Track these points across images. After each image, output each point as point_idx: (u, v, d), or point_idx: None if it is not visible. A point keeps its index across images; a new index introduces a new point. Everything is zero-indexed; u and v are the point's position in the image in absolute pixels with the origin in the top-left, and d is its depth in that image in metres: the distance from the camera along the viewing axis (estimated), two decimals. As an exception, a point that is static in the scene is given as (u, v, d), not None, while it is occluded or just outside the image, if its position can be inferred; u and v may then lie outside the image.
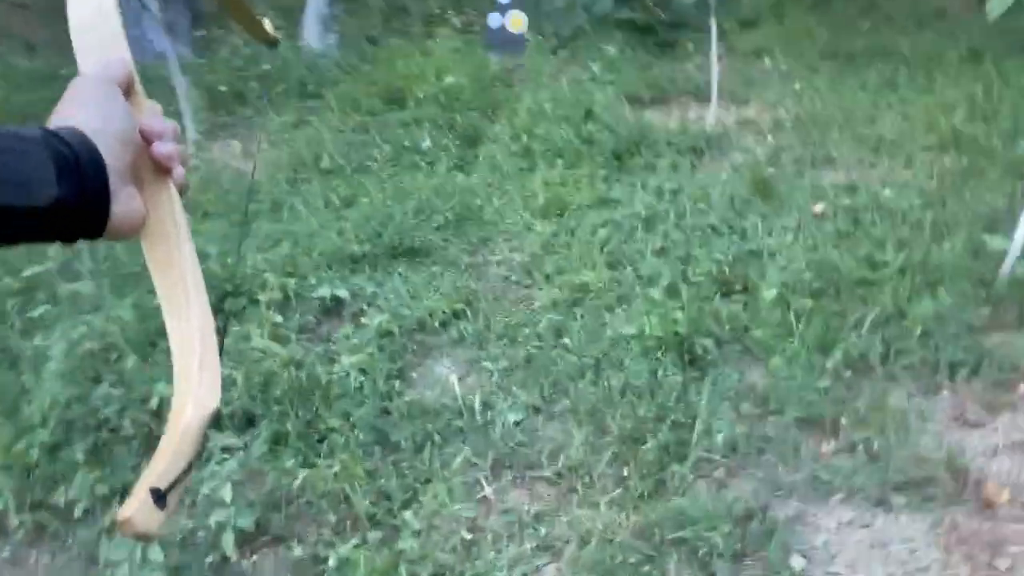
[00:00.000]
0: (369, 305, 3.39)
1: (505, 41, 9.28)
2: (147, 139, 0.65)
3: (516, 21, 9.44)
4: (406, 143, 5.43)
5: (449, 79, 6.41)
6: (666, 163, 4.93)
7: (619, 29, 7.68)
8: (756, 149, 5.13)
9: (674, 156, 5.03)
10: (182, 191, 0.68)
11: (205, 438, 0.63)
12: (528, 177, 4.93)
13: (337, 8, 9.22)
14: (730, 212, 4.08)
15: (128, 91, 0.67)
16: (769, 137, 5.37)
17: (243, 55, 8.15)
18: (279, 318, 3.11)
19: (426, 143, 5.32)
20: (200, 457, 0.63)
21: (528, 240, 4.08)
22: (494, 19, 9.29)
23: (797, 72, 7.00)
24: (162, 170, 0.66)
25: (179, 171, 0.67)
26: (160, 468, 0.60)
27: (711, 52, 5.63)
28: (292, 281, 3.34)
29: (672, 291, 3.33)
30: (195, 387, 0.62)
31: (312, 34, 7.95)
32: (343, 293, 3.39)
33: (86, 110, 0.61)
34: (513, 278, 3.74)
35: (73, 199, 0.56)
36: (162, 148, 0.65)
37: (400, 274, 3.65)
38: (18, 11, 10.28)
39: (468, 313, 3.33)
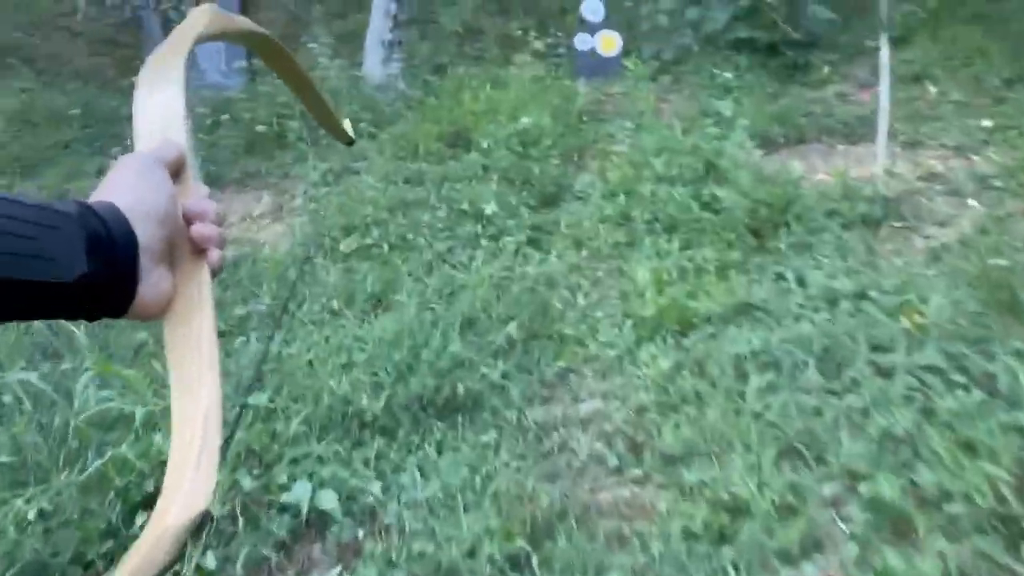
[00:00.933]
0: (368, 526, 2.02)
1: (596, 66, 7.89)
2: (188, 220, 0.64)
3: (608, 42, 8.04)
4: (465, 205, 4.09)
5: (525, 118, 5.06)
6: (828, 242, 3.40)
7: (735, 50, 6.18)
8: (960, 220, 3.53)
9: (838, 231, 3.49)
10: (216, 273, 0.66)
11: (184, 545, 0.57)
12: (628, 259, 3.49)
13: (404, 32, 8.07)
14: (957, 342, 2.52)
15: (177, 172, 0.66)
16: (972, 200, 3.76)
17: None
18: (211, 562, 1.79)
19: (491, 207, 3.96)
20: (174, 564, 0.56)
21: (631, 380, 2.64)
22: (582, 41, 7.90)
23: (976, 103, 5.32)
24: (198, 251, 0.64)
25: (215, 254, 0.65)
26: (135, 565, 0.55)
27: (881, 82, 4.06)
28: (248, 479, 2.04)
29: (901, 526, 1.83)
30: (187, 483, 0.57)
31: (373, 62, 6.77)
32: (330, 502, 1.98)
33: (128, 188, 0.60)
34: (610, 462, 2.28)
35: (100, 277, 0.55)
36: (201, 230, 0.64)
37: (427, 453, 2.26)
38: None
39: (533, 561, 1.90)
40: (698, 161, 4.01)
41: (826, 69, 6.01)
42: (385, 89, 6.59)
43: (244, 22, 0.88)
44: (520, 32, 8.70)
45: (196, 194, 0.67)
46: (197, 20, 0.79)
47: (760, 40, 5.95)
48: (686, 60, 6.56)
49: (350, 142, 1.24)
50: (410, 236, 3.82)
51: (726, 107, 5.35)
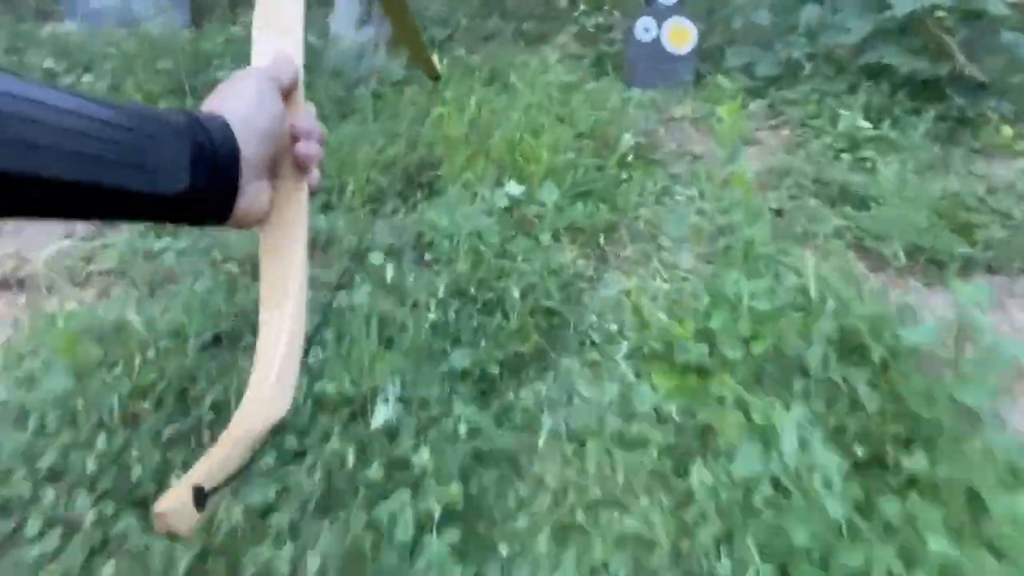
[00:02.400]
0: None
1: (659, 67, 5.74)
2: (294, 138, 0.65)
3: (680, 33, 5.86)
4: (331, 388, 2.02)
5: (537, 151, 3.00)
6: None
7: (870, 79, 4.04)
8: None
9: None
10: (314, 191, 0.67)
11: (262, 446, 0.59)
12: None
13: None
14: None
15: (289, 91, 0.66)
16: None
17: (242, 31, 5.03)
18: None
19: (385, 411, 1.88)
20: (250, 465, 0.58)
21: None
22: (645, 27, 5.73)
23: None
24: (300, 168, 0.65)
25: (315, 174, 0.67)
26: (210, 467, 0.56)
27: None
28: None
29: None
30: (267, 392, 0.58)
31: (345, 18, 4.69)
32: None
33: (240, 101, 0.60)
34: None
35: (201, 190, 0.55)
36: (305, 148, 0.65)
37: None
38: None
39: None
40: (845, 336, 1.93)
41: (1007, 130, 3.86)
42: (355, 59, 4.53)
43: None
44: (566, 2, 6.57)
45: (304, 113, 0.66)
46: None
47: (918, 72, 3.79)
48: (790, 81, 4.42)
49: (437, 78, 1.47)
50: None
51: (858, 179, 3.24)
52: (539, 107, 3.57)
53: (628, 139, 3.44)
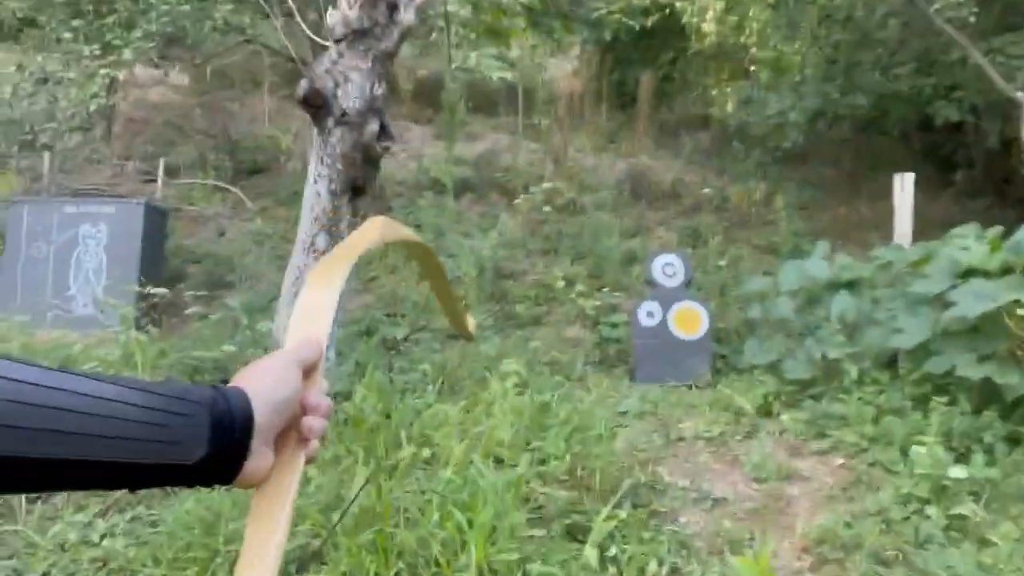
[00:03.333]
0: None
1: (666, 354, 4.87)
2: (303, 410, 0.69)
3: (689, 318, 5.07)
4: None
5: (465, 542, 1.97)
6: None
7: (939, 392, 3.07)
8: None
9: None
10: (311, 461, 0.70)
11: None
12: None
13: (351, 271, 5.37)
14: None
15: (311, 368, 0.71)
16: None
17: (205, 335, 4.34)
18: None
19: None
20: None
21: None
22: (648, 311, 4.95)
23: None
24: (302, 439, 0.69)
25: (314, 445, 0.70)
26: None
27: None
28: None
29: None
30: None
31: (284, 320, 3.97)
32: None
33: (263, 377, 0.66)
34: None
35: (216, 457, 0.60)
36: (310, 422, 0.69)
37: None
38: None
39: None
40: None
41: None
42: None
43: (409, 233, 1.02)
44: (563, 283, 5.96)
45: (318, 389, 0.71)
46: (371, 230, 0.91)
47: (1007, 388, 2.81)
48: (830, 387, 3.47)
49: (470, 338, 1.60)
50: None
51: (965, 569, 2.12)
52: (497, 444, 2.59)
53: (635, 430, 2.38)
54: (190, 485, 0.61)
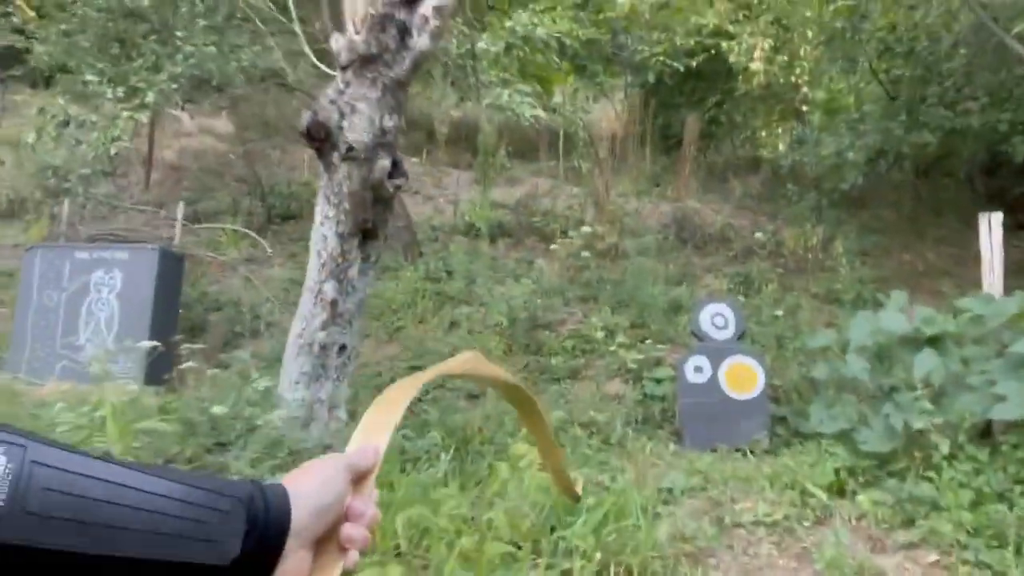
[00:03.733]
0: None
1: (717, 414, 4.28)
2: (347, 517, 0.67)
3: (742, 375, 4.51)
4: None
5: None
6: None
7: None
8: None
9: None
10: (349, 573, 0.67)
11: None
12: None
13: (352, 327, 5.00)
14: None
15: (363, 476, 0.68)
16: None
17: (209, 392, 4.02)
18: None
19: None
20: None
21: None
22: (696, 366, 4.49)
23: None
24: (342, 548, 0.66)
25: (353, 555, 0.66)
26: None
27: None
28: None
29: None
30: None
31: (290, 377, 3.59)
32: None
33: (310, 478, 0.64)
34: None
35: (250, 556, 0.57)
36: (350, 531, 0.66)
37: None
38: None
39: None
40: None
41: None
42: (302, 427, 3.33)
43: (500, 371, 1.00)
44: (603, 333, 5.48)
45: (366, 497, 0.68)
46: (464, 361, 0.92)
47: None
48: (916, 465, 2.92)
49: (576, 499, 1.50)
50: None
51: None
52: (512, 529, 2.14)
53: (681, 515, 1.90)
54: None
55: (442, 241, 7.28)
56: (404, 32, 2.91)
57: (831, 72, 8.59)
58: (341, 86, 2.93)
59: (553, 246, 6.49)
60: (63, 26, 4.93)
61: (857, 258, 6.83)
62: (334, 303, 3.37)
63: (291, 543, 0.60)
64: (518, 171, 9.64)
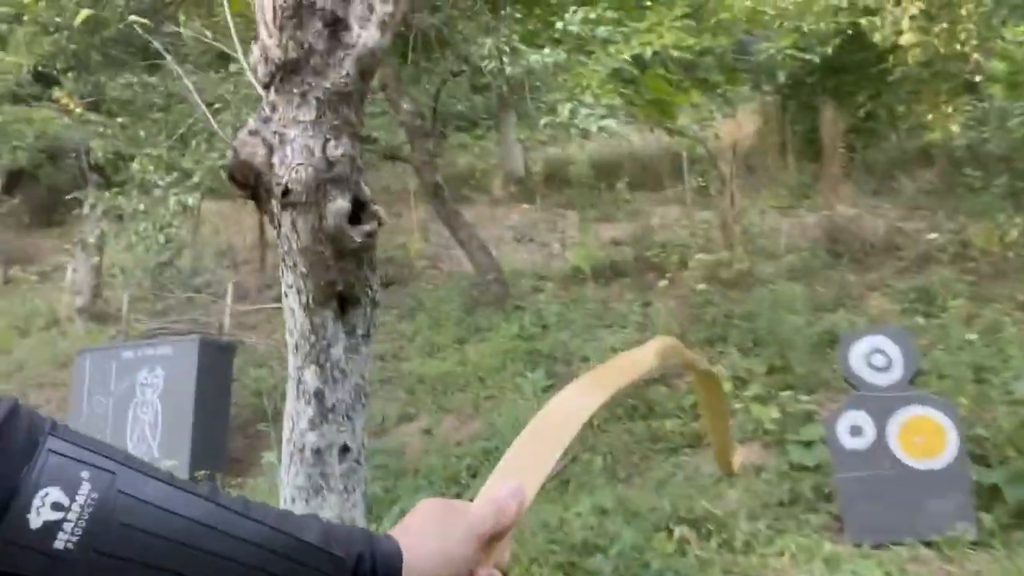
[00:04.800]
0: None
1: (887, 491, 2.87)
2: None
3: (922, 431, 3.17)
4: None
5: None
6: None
7: None
8: None
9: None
10: None
11: None
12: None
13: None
14: None
15: (497, 537, 0.55)
16: None
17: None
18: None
19: None
20: None
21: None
22: (852, 425, 3.05)
23: None
24: None
25: None
26: None
27: None
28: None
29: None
30: None
31: (285, 497, 2.87)
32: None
33: (427, 537, 0.54)
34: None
35: None
36: None
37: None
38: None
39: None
40: None
41: None
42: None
43: (696, 357, 0.94)
44: (731, 383, 4.24)
45: (499, 555, 0.57)
46: (661, 347, 0.78)
47: None
48: None
49: (731, 473, 1.60)
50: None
51: None
52: None
53: None
54: None
55: (550, 291, 6.43)
56: (335, 25, 2.14)
57: (1007, 28, 6.88)
58: (266, 111, 2.20)
59: (662, 282, 5.41)
60: (120, 119, 4.78)
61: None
62: (319, 395, 2.56)
63: None
64: (642, 203, 8.68)
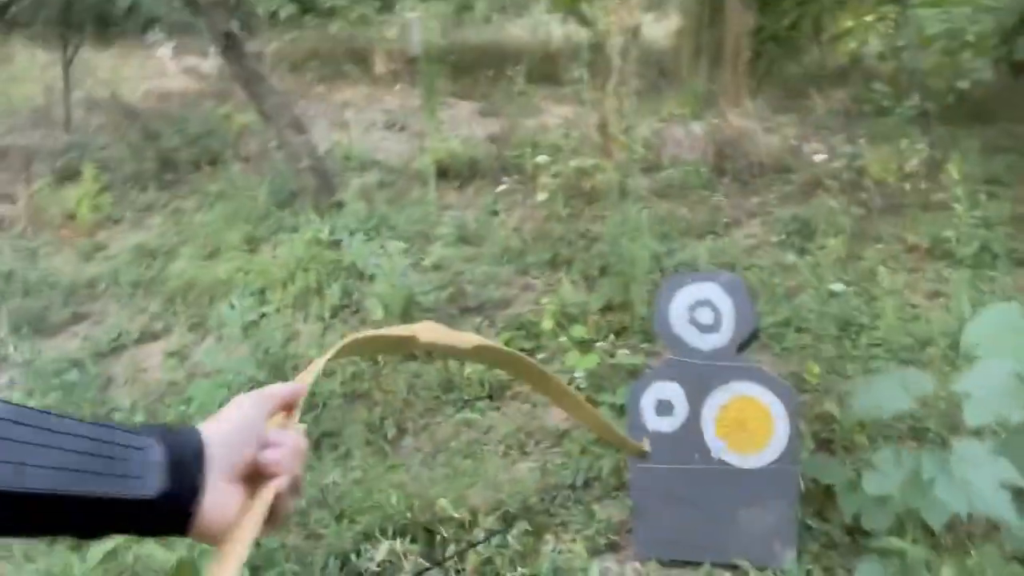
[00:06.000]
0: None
1: (692, 495, 2.11)
2: (263, 446, 0.64)
3: (746, 415, 2.42)
4: None
5: None
6: None
7: None
8: None
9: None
10: (283, 499, 0.63)
11: None
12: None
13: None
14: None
15: (287, 406, 0.68)
16: None
17: None
18: None
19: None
20: None
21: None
22: (662, 400, 2.29)
23: None
24: (266, 476, 0.63)
25: (279, 480, 0.62)
26: None
27: None
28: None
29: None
30: None
31: None
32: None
33: (221, 413, 0.63)
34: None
35: (168, 494, 0.55)
36: (265, 454, 0.62)
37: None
38: None
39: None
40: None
41: None
42: None
43: (465, 337, 0.97)
44: (552, 322, 3.34)
45: (282, 429, 0.66)
46: (420, 328, 0.88)
47: None
48: None
49: (643, 453, 1.69)
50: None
51: None
52: None
53: None
54: (148, 531, 0.57)
55: (390, 189, 5.36)
56: None
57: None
58: None
59: (499, 187, 4.44)
60: None
61: (982, 189, 4.39)
62: None
63: (211, 478, 0.57)
64: (543, 99, 7.59)
